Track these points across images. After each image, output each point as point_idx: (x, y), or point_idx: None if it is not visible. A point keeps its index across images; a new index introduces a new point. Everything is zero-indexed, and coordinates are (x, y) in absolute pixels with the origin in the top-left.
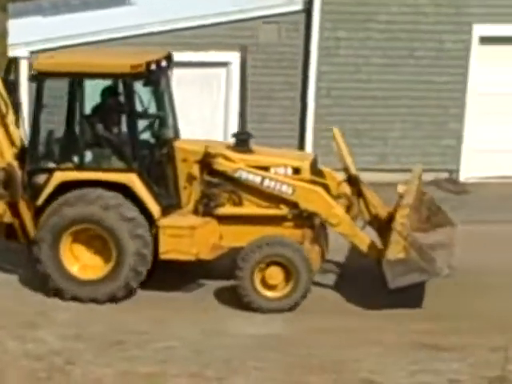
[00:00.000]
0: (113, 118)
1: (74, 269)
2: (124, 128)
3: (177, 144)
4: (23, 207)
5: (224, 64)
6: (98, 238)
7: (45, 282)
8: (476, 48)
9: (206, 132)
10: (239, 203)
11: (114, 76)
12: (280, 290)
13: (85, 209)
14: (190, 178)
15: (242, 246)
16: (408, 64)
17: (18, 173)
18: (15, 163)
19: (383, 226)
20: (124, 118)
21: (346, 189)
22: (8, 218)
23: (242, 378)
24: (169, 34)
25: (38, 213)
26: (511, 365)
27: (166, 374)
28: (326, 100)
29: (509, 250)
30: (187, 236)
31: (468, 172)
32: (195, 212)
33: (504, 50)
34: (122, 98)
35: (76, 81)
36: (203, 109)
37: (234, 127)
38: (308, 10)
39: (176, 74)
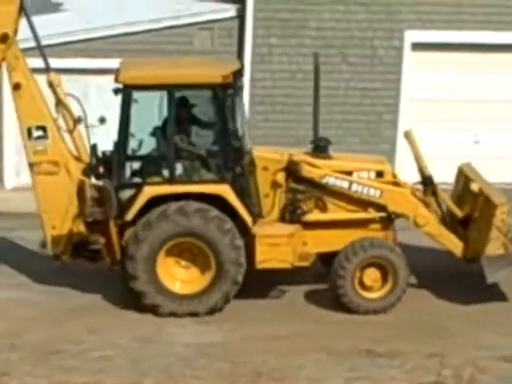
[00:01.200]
0: (191, 128)
1: (171, 284)
2: (206, 139)
3: (255, 153)
4: (112, 225)
5: None
6: (188, 252)
7: (139, 298)
8: (408, 54)
9: None
10: (325, 209)
11: (205, 86)
12: (377, 290)
13: (186, 222)
14: (274, 186)
15: (327, 251)
16: (341, 70)
17: (112, 190)
18: (83, 179)
19: (457, 224)
20: (210, 129)
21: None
22: (94, 237)
23: None
24: (103, 41)
25: (121, 229)
26: (447, 370)
27: None
28: (260, 107)
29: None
30: (285, 244)
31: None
32: (281, 220)
33: (435, 56)
34: (210, 109)
35: (165, 92)
36: None
37: None
38: (241, 17)
39: (111, 81)
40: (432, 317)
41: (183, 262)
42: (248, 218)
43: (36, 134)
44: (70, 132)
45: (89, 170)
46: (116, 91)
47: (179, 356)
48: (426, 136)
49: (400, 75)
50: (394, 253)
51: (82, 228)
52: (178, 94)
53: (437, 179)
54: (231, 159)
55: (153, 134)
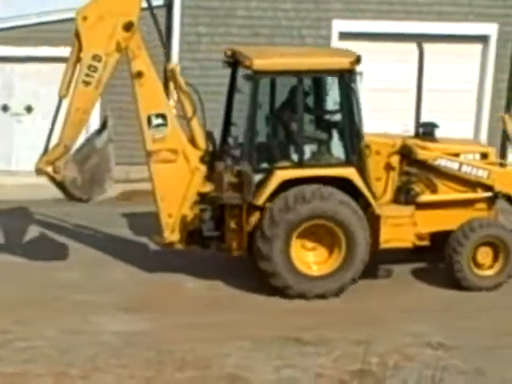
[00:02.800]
0: (312, 114)
1: (303, 265)
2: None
3: (367, 137)
4: (245, 209)
5: None
6: (315, 234)
7: (269, 279)
8: (336, 44)
9: None
10: (435, 190)
11: (334, 72)
12: (488, 268)
13: (322, 204)
14: (387, 169)
15: (436, 230)
16: None
17: (252, 175)
18: (202, 167)
19: None
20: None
21: None
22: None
23: (107, 376)
24: (26, 29)
25: (248, 214)
26: (372, 357)
27: (30, 374)
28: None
29: None
30: (406, 224)
31: None
32: (395, 201)
33: (363, 45)
34: (336, 95)
35: (296, 79)
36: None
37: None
38: (168, 5)
39: (35, 69)
40: (361, 305)
41: (309, 244)
42: (372, 200)
43: (155, 122)
44: (189, 120)
45: (207, 157)
46: (247, 77)
47: (106, 345)
48: None
49: None
50: (507, 232)
51: (197, 215)
52: (306, 81)
53: None
54: (355, 143)
55: (273, 120)
